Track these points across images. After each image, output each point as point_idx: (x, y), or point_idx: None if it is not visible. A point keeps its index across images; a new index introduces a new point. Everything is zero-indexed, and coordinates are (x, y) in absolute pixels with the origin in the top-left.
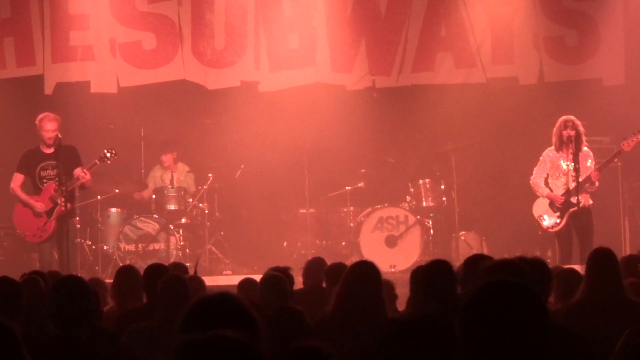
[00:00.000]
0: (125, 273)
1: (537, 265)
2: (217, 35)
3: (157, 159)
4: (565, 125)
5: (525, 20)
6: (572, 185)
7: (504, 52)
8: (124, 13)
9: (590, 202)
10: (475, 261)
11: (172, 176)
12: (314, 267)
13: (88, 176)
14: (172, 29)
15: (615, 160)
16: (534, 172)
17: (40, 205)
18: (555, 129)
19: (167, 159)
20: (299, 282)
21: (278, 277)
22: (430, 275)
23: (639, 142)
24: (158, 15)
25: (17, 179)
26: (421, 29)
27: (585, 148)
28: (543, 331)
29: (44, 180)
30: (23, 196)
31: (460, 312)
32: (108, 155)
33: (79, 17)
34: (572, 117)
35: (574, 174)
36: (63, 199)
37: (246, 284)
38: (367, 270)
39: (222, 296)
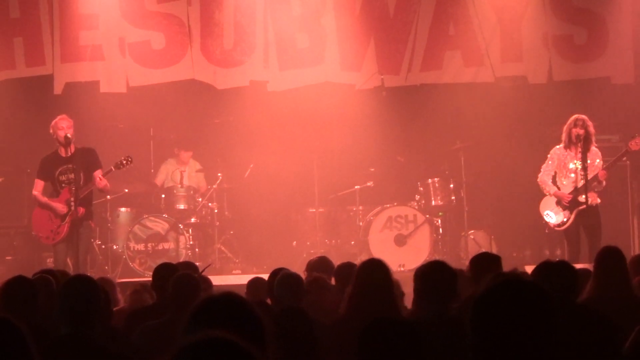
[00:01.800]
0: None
1: (563, 267)
2: (226, 34)
3: (170, 154)
4: (575, 123)
5: (534, 18)
6: (580, 183)
7: (513, 51)
8: (133, 13)
9: (598, 200)
10: (481, 260)
11: (181, 175)
12: (319, 265)
13: (104, 182)
14: (181, 28)
15: (624, 159)
16: (541, 169)
17: (61, 207)
18: (565, 127)
19: (186, 155)
20: None
21: (296, 277)
22: (429, 275)
23: None
24: (167, 15)
25: (38, 185)
26: (430, 27)
27: (593, 147)
28: (552, 329)
29: (63, 185)
30: (43, 200)
31: (471, 309)
32: (124, 162)
33: (88, 17)
34: (583, 116)
35: (582, 172)
36: (73, 204)
37: (255, 283)
38: (377, 268)
39: (227, 296)
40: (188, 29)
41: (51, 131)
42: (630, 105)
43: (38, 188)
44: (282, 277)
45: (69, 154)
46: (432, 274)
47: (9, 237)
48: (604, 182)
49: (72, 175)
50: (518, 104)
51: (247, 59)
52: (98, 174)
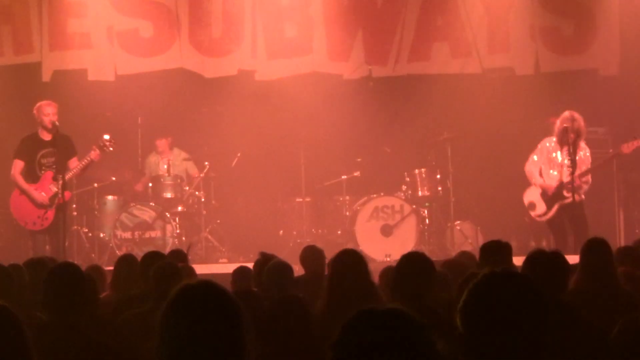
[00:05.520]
0: (125, 261)
1: (555, 257)
2: (214, 23)
3: (152, 145)
4: (568, 119)
5: (522, 10)
6: (566, 178)
7: (500, 42)
8: (122, 1)
9: (582, 197)
10: (490, 247)
11: (168, 164)
12: (312, 254)
13: (97, 151)
14: (169, 17)
15: (610, 150)
16: (529, 159)
17: (41, 197)
18: (558, 121)
19: (161, 143)
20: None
21: (285, 265)
22: (406, 266)
23: (638, 147)
24: (156, 4)
25: (18, 165)
26: (417, 18)
27: (582, 144)
28: (544, 322)
29: (43, 168)
30: (24, 185)
31: (461, 302)
32: (107, 144)
33: (76, 5)
34: (576, 114)
35: (569, 167)
36: (61, 189)
37: (241, 272)
38: (349, 259)
39: (204, 285)
40: (176, 17)
41: (35, 113)
42: (616, 98)
43: (18, 169)
44: (271, 266)
45: (50, 137)
46: (408, 265)
47: None
48: (590, 180)
49: (52, 159)
50: (505, 95)
51: (235, 48)
52: (74, 162)
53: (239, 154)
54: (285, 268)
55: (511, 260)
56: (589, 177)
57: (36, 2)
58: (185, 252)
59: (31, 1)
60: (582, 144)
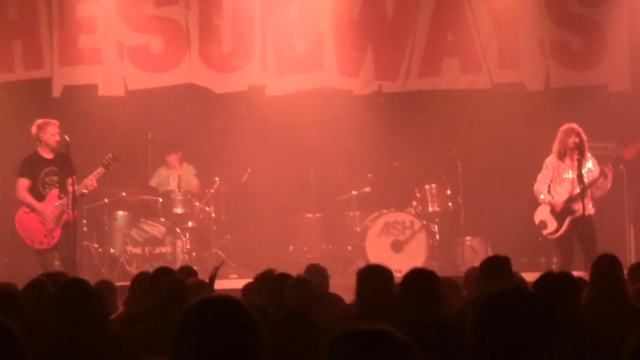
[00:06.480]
0: (141, 280)
1: (565, 278)
2: (224, 39)
3: (163, 160)
4: (570, 132)
5: (532, 25)
6: (576, 192)
7: (510, 58)
8: (132, 16)
9: (592, 210)
10: (491, 262)
11: (178, 179)
12: (316, 272)
13: (95, 184)
14: (179, 32)
15: (620, 166)
16: (537, 178)
17: (49, 212)
18: (559, 137)
19: (171, 159)
20: None
21: (308, 281)
22: (411, 282)
23: (637, 149)
24: (166, 19)
25: (24, 184)
26: (428, 34)
27: (588, 155)
28: (554, 338)
29: (47, 186)
30: (35, 204)
31: (474, 316)
32: (111, 161)
33: (87, 20)
34: (575, 125)
35: (578, 181)
36: (70, 206)
37: (250, 287)
38: (375, 273)
39: (224, 299)
40: (187, 33)
41: (36, 131)
42: (626, 113)
43: (24, 187)
44: (294, 282)
45: (52, 156)
46: (414, 281)
47: (5, 240)
48: (610, 181)
49: (55, 178)
50: (515, 110)
51: (245, 63)
52: (89, 181)
53: (249, 170)
54: (309, 284)
55: (511, 272)
56: (602, 183)
57: (47, 17)
58: (215, 269)
59: (42, 16)
60: (589, 156)
